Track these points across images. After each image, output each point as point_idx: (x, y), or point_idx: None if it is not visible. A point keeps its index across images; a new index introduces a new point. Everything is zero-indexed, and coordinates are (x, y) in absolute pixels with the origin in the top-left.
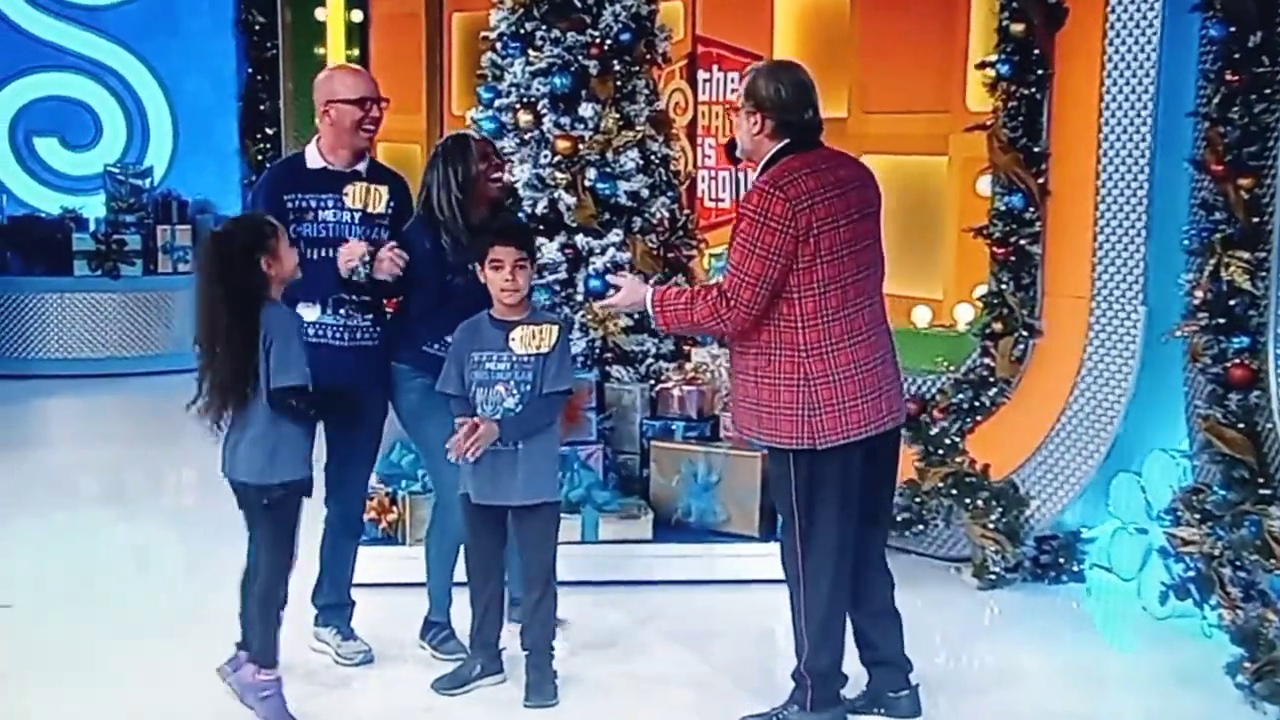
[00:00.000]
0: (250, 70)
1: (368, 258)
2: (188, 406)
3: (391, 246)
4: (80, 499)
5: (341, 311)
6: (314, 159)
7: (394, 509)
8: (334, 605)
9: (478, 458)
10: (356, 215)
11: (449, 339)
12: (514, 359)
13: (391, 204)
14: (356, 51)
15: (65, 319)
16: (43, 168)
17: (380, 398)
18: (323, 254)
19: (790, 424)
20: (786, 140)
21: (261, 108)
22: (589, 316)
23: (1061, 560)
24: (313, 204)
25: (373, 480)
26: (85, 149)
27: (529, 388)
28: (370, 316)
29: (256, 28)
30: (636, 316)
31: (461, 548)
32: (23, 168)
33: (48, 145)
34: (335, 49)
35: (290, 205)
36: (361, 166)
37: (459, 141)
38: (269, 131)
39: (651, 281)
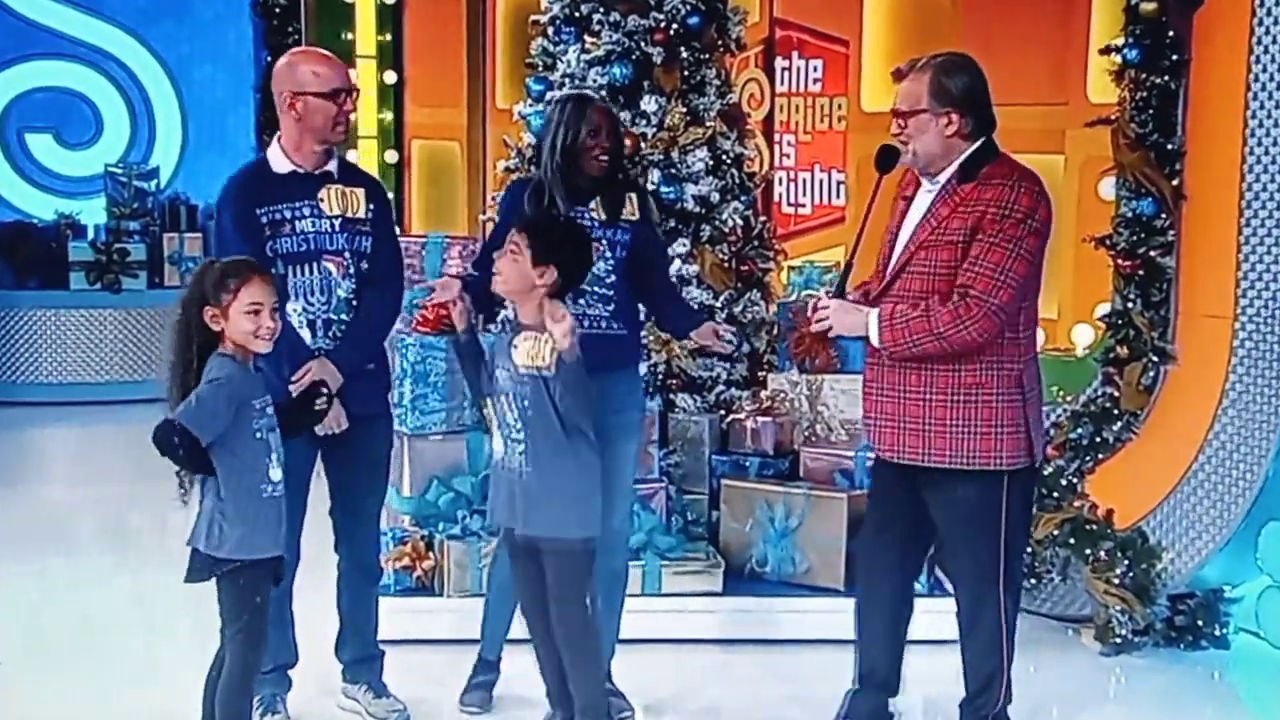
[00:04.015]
0: (269, 58)
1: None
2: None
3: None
4: (78, 543)
5: (331, 333)
6: (279, 162)
7: (430, 556)
8: (361, 659)
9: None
10: (337, 222)
11: None
12: (513, 374)
13: (371, 207)
14: (388, 37)
15: (60, 339)
16: (36, 168)
17: (383, 428)
18: (305, 270)
19: (1013, 441)
20: (984, 137)
21: None
22: (650, 338)
23: (1200, 622)
24: (288, 214)
25: (406, 523)
26: (84, 147)
27: (529, 406)
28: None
29: (276, 10)
30: None
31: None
32: (13, 168)
33: (42, 142)
34: (365, 34)
35: (265, 220)
36: (332, 167)
37: (579, 104)
38: None
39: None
